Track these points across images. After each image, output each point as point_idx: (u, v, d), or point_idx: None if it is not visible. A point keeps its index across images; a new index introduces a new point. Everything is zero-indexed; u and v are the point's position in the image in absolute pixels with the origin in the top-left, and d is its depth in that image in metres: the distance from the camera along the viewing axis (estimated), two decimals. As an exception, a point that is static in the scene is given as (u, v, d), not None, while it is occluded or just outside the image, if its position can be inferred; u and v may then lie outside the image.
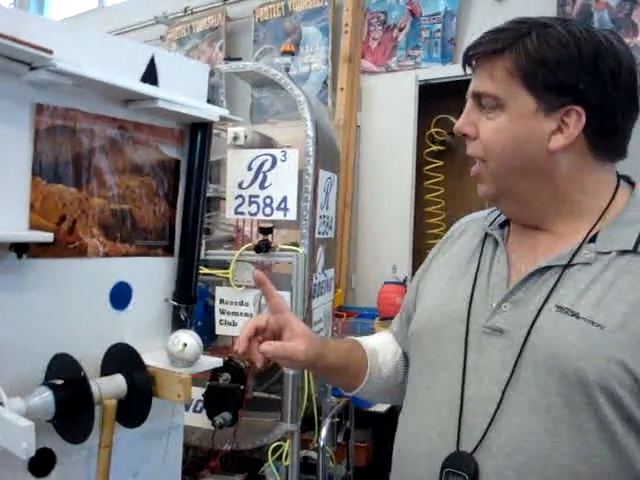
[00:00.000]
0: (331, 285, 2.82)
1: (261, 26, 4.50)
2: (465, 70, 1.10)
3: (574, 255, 1.01)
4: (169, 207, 1.67)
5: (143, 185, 1.59)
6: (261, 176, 2.30)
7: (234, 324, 2.41)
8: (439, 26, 3.74)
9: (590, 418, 0.92)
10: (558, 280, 1.00)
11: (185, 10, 5.01)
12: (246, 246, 2.34)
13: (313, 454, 2.60)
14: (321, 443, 2.32)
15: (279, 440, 2.41)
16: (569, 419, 0.93)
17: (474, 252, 1.17)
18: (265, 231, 2.30)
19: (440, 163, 3.84)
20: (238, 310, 2.40)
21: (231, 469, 2.56)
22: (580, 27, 1.01)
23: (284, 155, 2.27)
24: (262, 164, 2.29)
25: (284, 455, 2.41)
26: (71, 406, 1.34)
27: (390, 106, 3.78)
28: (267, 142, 2.54)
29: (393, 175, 3.67)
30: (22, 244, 1.32)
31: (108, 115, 1.50)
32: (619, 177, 1.10)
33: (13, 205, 1.34)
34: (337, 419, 2.71)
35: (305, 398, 2.42)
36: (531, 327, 0.99)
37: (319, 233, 2.48)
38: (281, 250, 2.32)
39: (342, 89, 3.64)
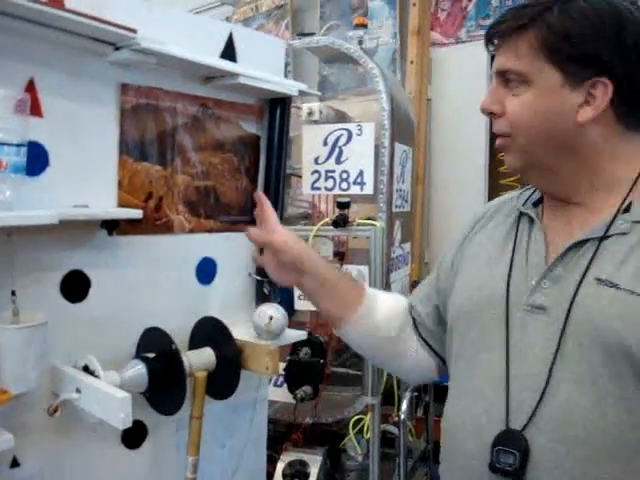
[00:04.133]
0: (408, 259, 2.80)
1: (327, 2, 4.46)
2: (488, 49, 1.09)
3: (609, 226, 1.00)
4: (250, 183, 1.68)
5: (225, 161, 1.61)
6: (337, 151, 2.29)
7: (312, 299, 2.42)
8: (510, -6, 3.65)
9: (635, 388, 0.92)
10: (595, 253, 0.99)
11: (250, -10, 5.00)
12: (324, 221, 2.34)
13: (393, 428, 2.60)
14: (401, 417, 2.32)
15: (359, 414, 2.42)
16: (615, 390, 0.93)
17: (509, 232, 1.16)
18: (342, 206, 2.29)
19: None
20: (317, 285, 2.41)
21: (312, 442, 2.58)
22: None
23: (360, 129, 2.25)
24: (338, 139, 2.28)
25: (365, 428, 2.42)
26: (163, 378, 1.38)
27: (461, 78, 3.70)
28: (341, 117, 2.54)
29: (466, 148, 3.60)
30: (112, 221, 1.36)
31: (190, 93, 1.52)
32: None
33: (102, 184, 1.38)
34: (416, 393, 2.71)
35: (385, 372, 2.42)
36: (572, 302, 0.98)
37: (396, 207, 2.47)
38: (359, 225, 2.31)
39: (412, 62, 3.59)
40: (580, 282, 0.98)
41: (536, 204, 1.16)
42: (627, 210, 1.00)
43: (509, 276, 1.09)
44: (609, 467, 0.93)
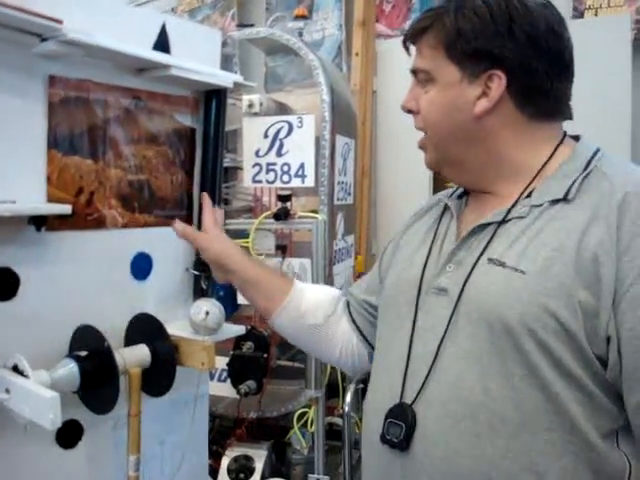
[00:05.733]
0: (351, 251, 2.81)
1: (273, -7, 4.44)
2: (408, 51, 1.16)
3: (509, 211, 1.05)
4: (186, 176, 1.66)
5: (159, 155, 1.58)
6: (278, 143, 2.28)
7: (256, 293, 2.41)
8: (453, -13, 3.67)
9: (518, 364, 0.95)
10: (493, 236, 1.05)
11: (196, -20, 4.95)
12: (265, 214, 2.33)
13: (338, 420, 2.61)
14: (346, 409, 2.32)
15: (304, 407, 2.43)
16: (498, 366, 0.97)
17: (434, 223, 1.23)
18: (283, 199, 2.29)
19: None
20: (259, 279, 2.40)
21: (257, 437, 2.58)
22: None
23: (300, 121, 2.25)
24: (278, 131, 2.27)
25: (309, 422, 2.43)
26: (96, 377, 1.35)
27: (407, 70, 3.73)
28: (283, 109, 2.52)
29: (412, 141, 3.61)
30: (41, 217, 1.32)
31: (122, 85, 1.49)
32: (567, 136, 1.13)
33: (30, 178, 1.34)
34: (362, 385, 2.71)
35: (329, 365, 2.43)
36: (465, 282, 1.04)
37: (338, 199, 2.47)
38: (300, 217, 2.31)
39: (357, 54, 3.58)
40: (475, 263, 1.04)
41: (461, 196, 1.22)
42: (529, 196, 1.05)
43: (425, 263, 1.15)
44: (493, 442, 0.96)
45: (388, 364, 1.15)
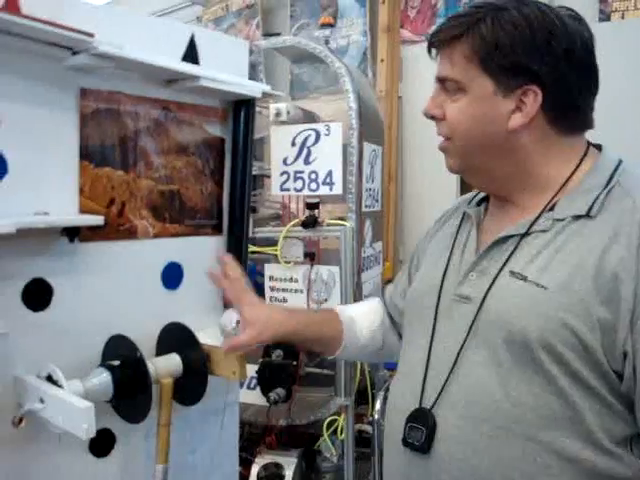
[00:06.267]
0: (380, 258, 2.80)
1: (297, 1, 4.44)
2: (431, 55, 1.15)
3: (532, 224, 1.07)
4: (216, 186, 1.67)
5: (189, 165, 1.59)
6: (305, 151, 2.28)
7: (284, 300, 2.42)
8: (479, -9, 3.66)
9: (536, 373, 0.99)
10: (515, 248, 1.07)
11: (220, -11, 4.97)
12: (293, 222, 2.34)
13: (368, 428, 2.60)
14: (375, 416, 2.32)
15: (333, 414, 2.42)
16: (518, 374, 1.00)
17: (454, 230, 1.25)
18: (311, 206, 2.29)
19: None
20: (288, 287, 2.41)
21: (287, 444, 2.58)
22: (534, 8, 1.05)
23: (327, 129, 2.25)
24: (306, 139, 2.28)
25: (339, 429, 2.42)
26: (129, 386, 1.36)
27: (432, 76, 3.72)
28: (310, 117, 2.53)
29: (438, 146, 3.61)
30: (73, 228, 1.34)
31: (152, 96, 1.50)
32: (591, 146, 1.14)
33: (63, 190, 1.36)
34: (390, 392, 2.71)
35: (358, 372, 2.42)
36: (487, 292, 1.06)
37: (366, 206, 2.47)
38: (328, 225, 2.31)
39: (382, 60, 3.59)
40: (497, 274, 1.07)
41: (480, 203, 1.24)
42: (552, 209, 1.07)
43: (445, 270, 1.18)
44: (510, 443, 0.99)
45: (409, 368, 1.18)
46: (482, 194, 1.26)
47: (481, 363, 1.04)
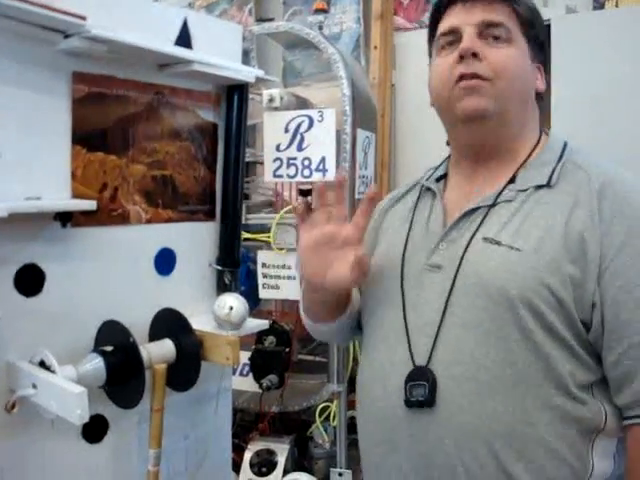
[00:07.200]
0: (372, 245, 2.80)
1: (290, -13, 4.42)
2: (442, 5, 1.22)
3: (498, 196, 1.15)
4: (209, 171, 1.66)
5: (182, 150, 1.59)
6: (298, 138, 2.27)
7: (277, 287, 2.42)
8: (472, -22, 3.64)
9: (513, 329, 1.05)
10: (484, 217, 1.14)
11: (213, -25, 4.94)
12: (286, 209, 2.33)
13: (360, 414, 2.61)
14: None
15: (326, 401, 2.43)
16: (496, 332, 1.06)
17: (414, 204, 1.30)
18: (304, 193, 2.28)
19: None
20: (280, 273, 2.40)
21: (279, 431, 2.59)
22: None
23: (321, 115, 2.24)
24: (299, 125, 2.27)
25: (331, 416, 2.43)
26: (122, 372, 1.36)
27: (425, 63, 3.71)
28: (303, 103, 2.51)
29: (430, 133, 3.60)
30: (66, 213, 1.33)
31: (144, 81, 1.49)
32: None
33: (55, 175, 1.35)
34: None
35: (351, 359, 2.42)
36: (462, 258, 1.12)
37: (359, 193, 2.46)
38: (321, 211, 2.30)
39: (375, 47, 3.57)
40: (469, 242, 1.13)
41: (438, 180, 1.30)
42: (513, 181, 1.16)
43: (406, 241, 1.23)
44: (492, 399, 1.05)
45: (383, 336, 1.20)
46: (439, 171, 1.31)
47: (460, 324, 1.09)
